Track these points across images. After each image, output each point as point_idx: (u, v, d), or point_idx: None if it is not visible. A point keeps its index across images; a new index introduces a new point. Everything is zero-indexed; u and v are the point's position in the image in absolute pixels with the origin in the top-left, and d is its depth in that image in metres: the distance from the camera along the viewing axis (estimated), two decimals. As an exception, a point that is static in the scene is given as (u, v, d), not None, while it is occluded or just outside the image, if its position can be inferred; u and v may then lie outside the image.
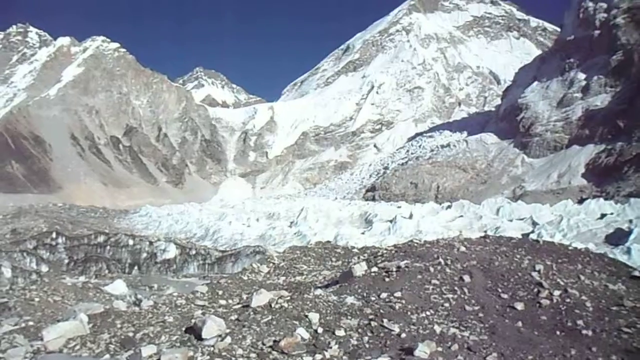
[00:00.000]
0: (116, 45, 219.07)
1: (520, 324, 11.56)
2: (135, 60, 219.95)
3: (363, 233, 54.36)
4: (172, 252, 54.31)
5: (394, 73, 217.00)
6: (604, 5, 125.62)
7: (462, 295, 12.70)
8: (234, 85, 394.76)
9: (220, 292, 16.14)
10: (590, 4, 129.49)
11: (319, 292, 13.30)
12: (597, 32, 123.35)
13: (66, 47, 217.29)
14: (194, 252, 54.83)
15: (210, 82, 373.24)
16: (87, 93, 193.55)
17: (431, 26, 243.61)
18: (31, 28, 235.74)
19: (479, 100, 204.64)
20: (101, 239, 58.53)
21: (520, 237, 31.16)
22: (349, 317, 11.58)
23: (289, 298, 13.08)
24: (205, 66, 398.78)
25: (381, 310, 11.82)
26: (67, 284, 25.10)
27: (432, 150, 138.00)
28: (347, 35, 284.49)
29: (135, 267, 52.14)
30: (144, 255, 54.66)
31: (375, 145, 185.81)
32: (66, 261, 52.84)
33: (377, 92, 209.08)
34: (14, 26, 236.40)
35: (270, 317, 11.63)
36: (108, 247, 56.16)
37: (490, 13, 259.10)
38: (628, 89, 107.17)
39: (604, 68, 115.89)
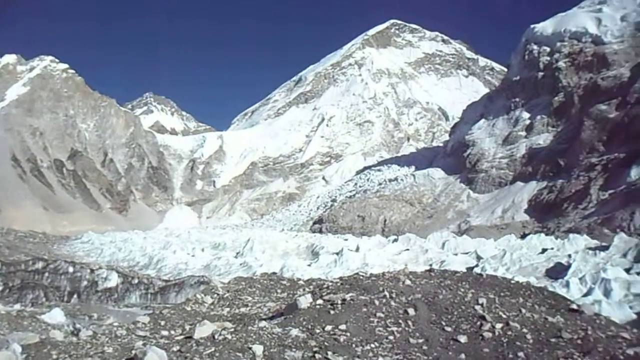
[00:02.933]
0: (65, 66, 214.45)
1: (463, 356, 11.69)
2: (84, 83, 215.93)
3: (309, 265, 54.17)
4: (113, 280, 52.82)
5: (345, 106, 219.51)
6: (547, 49, 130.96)
7: (407, 328, 12.76)
8: (184, 113, 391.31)
9: (163, 323, 15.77)
10: (535, 47, 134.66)
11: (263, 324, 13.13)
12: (540, 73, 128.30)
13: (12, 65, 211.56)
14: (136, 281, 53.45)
15: (160, 109, 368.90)
16: (31, 114, 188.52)
17: (383, 61, 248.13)
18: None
19: (428, 136, 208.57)
20: (39, 265, 56.41)
21: (464, 270, 31.57)
22: (294, 350, 11.46)
23: (232, 330, 12.86)
24: (156, 92, 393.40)
25: (326, 343, 11.75)
26: (0, 312, 24.11)
27: (379, 184, 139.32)
28: (299, 66, 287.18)
29: (75, 296, 50.46)
30: (84, 283, 53.00)
31: (323, 178, 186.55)
32: (0, 288, 50.76)
33: (327, 125, 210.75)
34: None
35: (213, 349, 11.40)
36: (46, 274, 54.10)
37: (441, 51, 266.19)
38: (568, 129, 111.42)
39: (547, 108, 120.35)
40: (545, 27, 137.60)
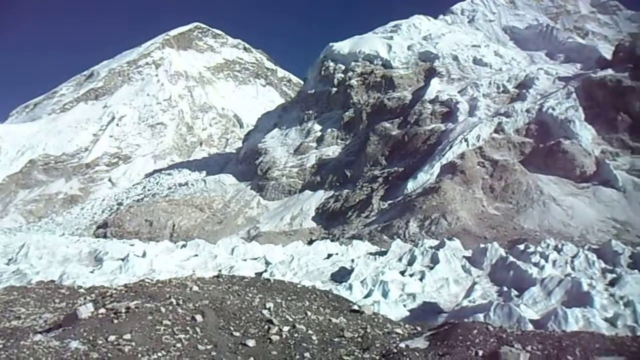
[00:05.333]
0: None
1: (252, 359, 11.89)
2: None
3: (92, 272, 50.98)
4: None
5: (138, 106, 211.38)
6: (342, 67, 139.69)
7: (195, 335, 12.60)
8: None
9: None
10: (331, 63, 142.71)
11: (38, 337, 12.07)
12: (334, 89, 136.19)
13: None
14: None
15: None
16: None
17: (182, 64, 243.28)
18: None
19: (221, 142, 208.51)
20: None
21: (253, 276, 32.05)
22: (72, 363, 10.74)
23: (1, 346, 11.68)
24: None
25: (109, 354, 11.17)
26: None
27: (169, 188, 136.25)
28: (92, 61, 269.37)
29: None
30: None
31: (110, 180, 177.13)
32: None
33: (117, 124, 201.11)
34: None
35: (-25, 369, 10.25)
36: None
37: (241, 58, 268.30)
38: (356, 142, 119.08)
39: (337, 122, 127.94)
40: (343, 46, 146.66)
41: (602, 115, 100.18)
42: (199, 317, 13.32)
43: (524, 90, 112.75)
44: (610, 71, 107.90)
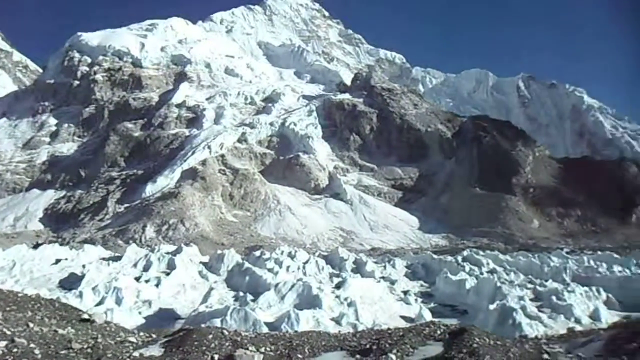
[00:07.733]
0: None
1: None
2: None
3: None
4: None
5: None
6: (89, 59, 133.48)
7: None
8: None
9: None
10: (77, 55, 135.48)
11: None
12: (77, 82, 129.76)
13: None
14: None
15: None
16: None
17: None
18: None
19: None
20: None
21: (-36, 283, 28.51)
22: None
23: None
24: None
25: None
26: None
27: None
28: None
29: None
30: None
31: None
32: None
33: None
34: None
35: None
36: None
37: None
38: (94, 141, 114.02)
39: (76, 117, 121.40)
40: (92, 38, 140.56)
41: (338, 134, 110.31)
42: None
43: (270, 104, 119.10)
44: (348, 95, 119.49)
